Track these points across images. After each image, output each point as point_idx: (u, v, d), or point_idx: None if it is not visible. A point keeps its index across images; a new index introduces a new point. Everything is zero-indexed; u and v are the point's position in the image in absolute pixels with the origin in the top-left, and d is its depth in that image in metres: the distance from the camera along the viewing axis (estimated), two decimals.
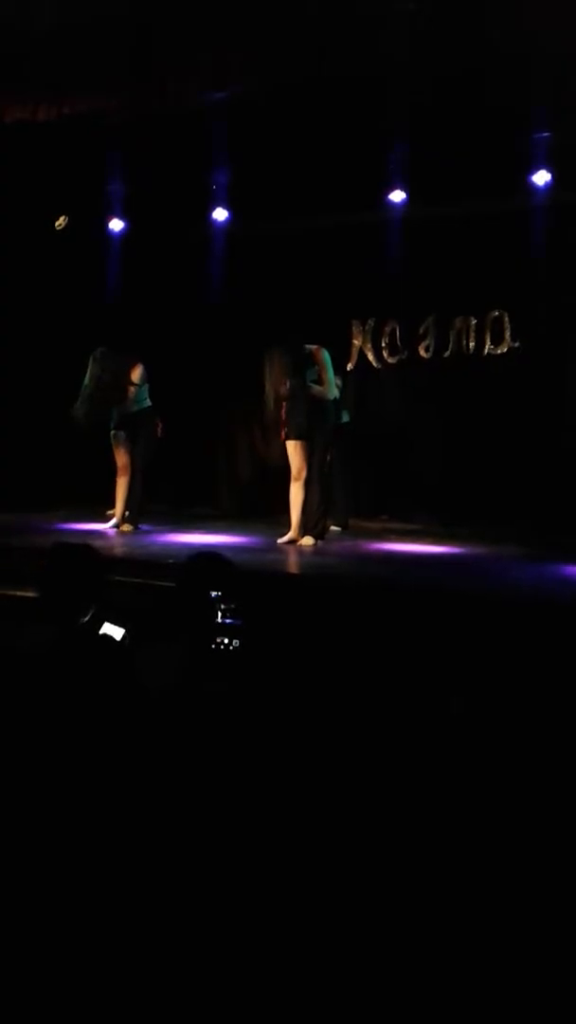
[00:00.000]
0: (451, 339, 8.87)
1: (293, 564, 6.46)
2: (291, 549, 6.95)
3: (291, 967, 2.03)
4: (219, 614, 3.31)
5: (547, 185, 8.03)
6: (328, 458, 7.23)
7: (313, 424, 7.05)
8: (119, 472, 7.88)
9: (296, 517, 7.11)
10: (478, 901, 2.22)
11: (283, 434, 7.17)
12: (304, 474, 7.07)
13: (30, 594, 4.24)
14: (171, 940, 2.09)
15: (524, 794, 2.66)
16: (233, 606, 3.35)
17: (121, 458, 7.83)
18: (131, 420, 7.81)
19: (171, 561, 5.77)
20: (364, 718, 3.03)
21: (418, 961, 2.06)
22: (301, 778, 2.56)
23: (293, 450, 7.09)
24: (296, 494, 7.10)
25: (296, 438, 7.07)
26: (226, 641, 3.29)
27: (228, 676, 3.28)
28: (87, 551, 3.47)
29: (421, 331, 9.00)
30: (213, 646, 3.25)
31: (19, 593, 4.38)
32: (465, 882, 2.28)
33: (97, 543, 4.45)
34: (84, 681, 2.76)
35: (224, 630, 3.29)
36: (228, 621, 3.33)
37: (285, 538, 7.11)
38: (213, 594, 3.40)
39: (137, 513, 7.88)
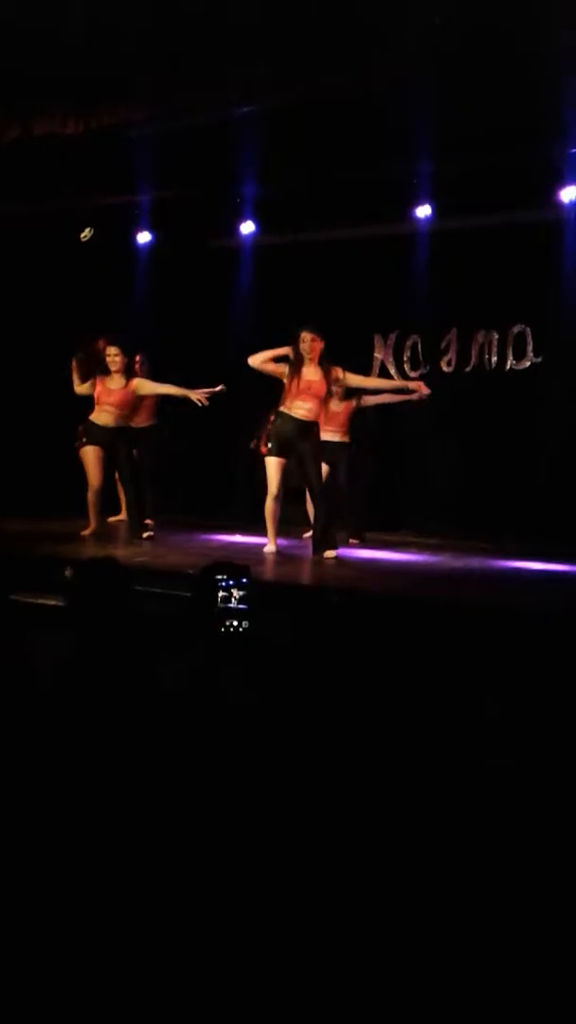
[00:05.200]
0: (473, 353, 8.88)
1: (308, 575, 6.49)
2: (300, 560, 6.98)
3: (295, 968, 2.05)
4: (227, 598, 3.38)
5: (572, 200, 8.03)
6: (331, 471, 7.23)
7: (295, 440, 7.00)
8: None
9: (271, 530, 7.13)
10: (496, 905, 2.23)
11: (263, 449, 7.16)
12: (279, 491, 7.05)
13: (54, 602, 4.28)
14: (178, 939, 2.10)
15: (558, 800, 2.67)
16: (241, 592, 3.41)
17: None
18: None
19: (190, 572, 5.80)
20: (387, 724, 3.05)
21: (423, 962, 2.07)
22: (320, 783, 2.58)
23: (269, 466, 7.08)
24: (270, 509, 7.12)
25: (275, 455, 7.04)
26: (235, 624, 3.37)
27: (242, 664, 3.33)
28: (111, 563, 3.51)
29: (443, 345, 9.02)
30: (223, 630, 3.32)
31: (44, 601, 4.43)
32: (483, 884, 2.29)
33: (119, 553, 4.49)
34: (106, 689, 2.79)
35: (233, 614, 3.36)
36: (236, 605, 3.40)
37: (268, 549, 7.10)
38: (219, 578, 3.47)
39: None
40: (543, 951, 2.13)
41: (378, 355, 9.26)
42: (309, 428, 7.04)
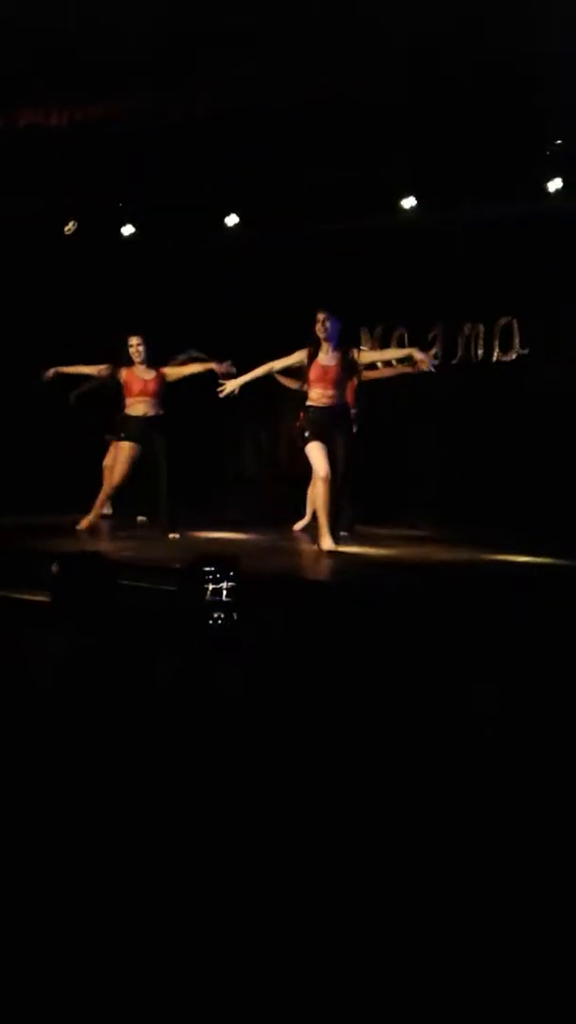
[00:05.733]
0: (460, 346, 8.88)
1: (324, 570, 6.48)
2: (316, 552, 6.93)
3: (294, 967, 2.04)
4: (212, 591, 3.37)
5: (557, 191, 8.03)
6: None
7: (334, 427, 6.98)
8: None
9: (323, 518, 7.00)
10: (492, 900, 2.23)
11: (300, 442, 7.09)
12: (327, 473, 6.95)
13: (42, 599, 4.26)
14: (176, 938, 2.09)
15: (548, 793, 2.67)
16: (226, 585, 3.40)
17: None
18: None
19: (177, 566, 5.78)
20: (380, 714, 3.04)
21: (422, 961, 2.06)
22: (314, 773, 2.57)
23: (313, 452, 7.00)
24: (322, 495, 6.99)
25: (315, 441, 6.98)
26: (221, 616, 3.37)
27: (230, 658, 3.33)
28: (97, 558, 3.50)
29: (430, 338, 9.00)
30: (212, 622, 3.32)
31: (35, 598, 4.40)
32: (478, 878, 2.28)
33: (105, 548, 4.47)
34: (98, 684, 2.78)
35: (218, 606, 3.36)
36: (221, 598, 3.39)
37: (326, 544, 6.96)
38: (206, 569, 3.46)
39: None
40: (542, 943, 2.13)
41: (364, 348, 9.24)
42: (338, 415, 7.04)
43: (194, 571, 3.56)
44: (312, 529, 7.60)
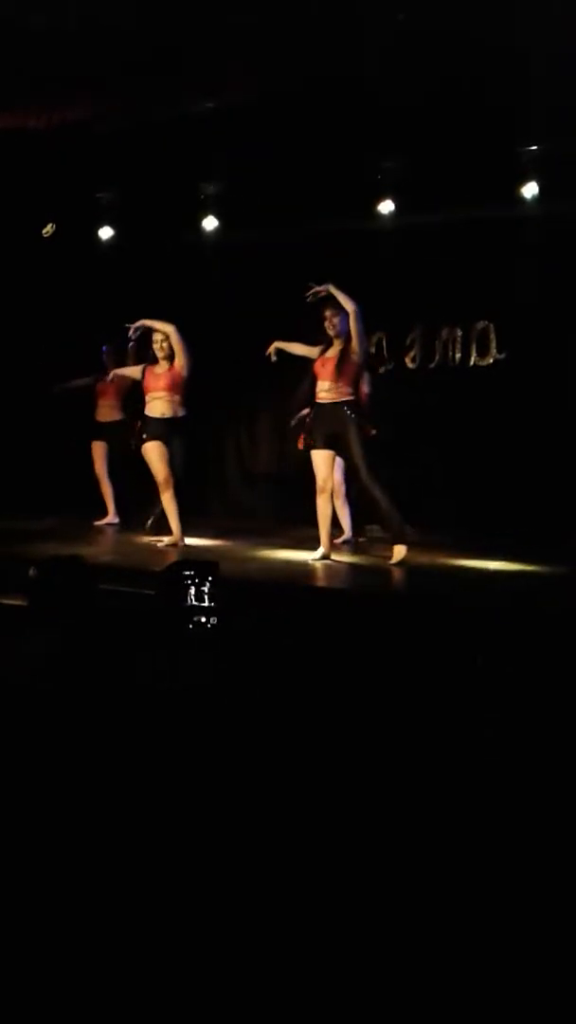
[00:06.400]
0: (437, 350, 8.91)
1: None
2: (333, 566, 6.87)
3: (290, 965, 2.04)
4: (194, 595, 3.38)
5: (534, 196, 8.07)
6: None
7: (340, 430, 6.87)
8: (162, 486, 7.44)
9: (324, 532, 6.96)
10: (490, 898, 2.24)
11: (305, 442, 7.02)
12: (327, 485, 6.94)
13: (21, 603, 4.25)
14: (171, 937, 2.10)
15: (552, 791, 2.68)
16: (206, 588, 3.41)
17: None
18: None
19: (156, 569, 5.78)
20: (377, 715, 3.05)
21: (419, 959, 2.07)
22: (297, 776, 2.58)
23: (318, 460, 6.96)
24: (321, 507, 6.96)
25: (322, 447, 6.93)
26: (203, 620, 3.37)
27: (210, 657, 3.33)
28: (76, 561, 3.50)
29: (408, 342, 9.03)
30: (191, 625, 3.32)
31: (12, 602, 4.39)
32: (475, 875, 2.30)
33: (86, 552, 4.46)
34: (80, 689, 2.78)
35: (199, 610, 3.36)
36: (202, 602, 3.40)
37: (316, 554, 6.93)
38: (186, 573, 3.46)
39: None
40: (541, 938, 2.14)
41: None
42: (333, 411, 6.89)
43: (173, 575, 3.56)
44: (370, 540, 7.68)
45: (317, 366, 6.98)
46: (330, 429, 6.88)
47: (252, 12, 6.17)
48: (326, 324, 6.94)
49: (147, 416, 7.46)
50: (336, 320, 6.88)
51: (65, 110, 7.51)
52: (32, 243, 9.21)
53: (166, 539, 7.46)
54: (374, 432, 7.07)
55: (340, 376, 6.89)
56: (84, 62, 6.82)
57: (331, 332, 6.93)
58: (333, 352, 6.94)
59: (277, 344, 7.19)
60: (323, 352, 6.98)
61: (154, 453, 7.36)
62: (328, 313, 6.92)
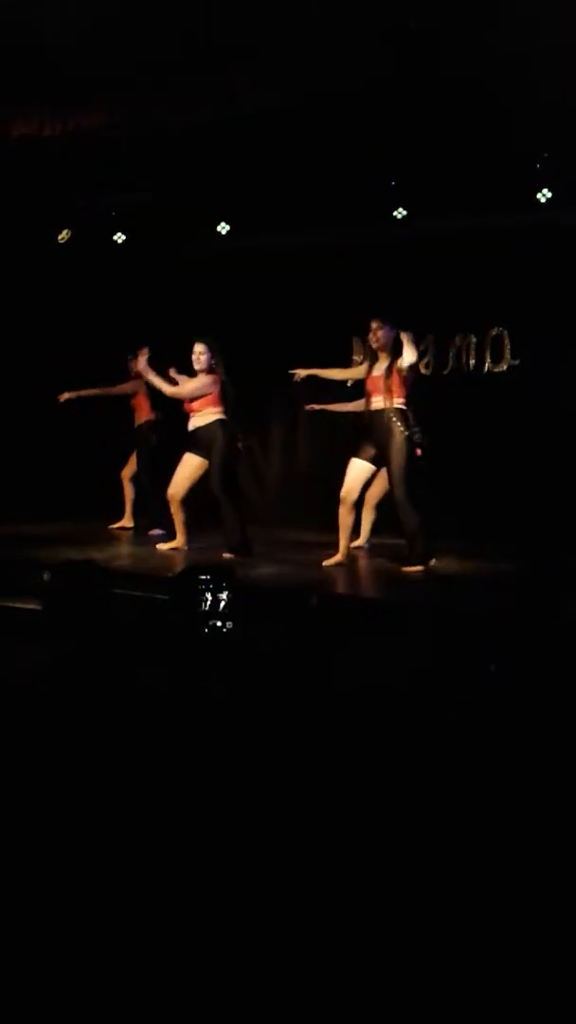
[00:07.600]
0: (451, 357, 8.90)
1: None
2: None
3: (290, 965, 2.04)
4: (210, 600, 3.38)
5: (548, 203, 8.06)
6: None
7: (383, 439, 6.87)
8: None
9: (343, 539, 6.96)
10: (489, 898, 2.24)
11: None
12: (349, 497, 6.93)
13: (34, 607, 4.26)
14: (171, 937, 2.10)
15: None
16: (223, 594, 3.41)
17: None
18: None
19: (169, 575, 5.78)
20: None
21: (419, 959, 2.07)
22: (303, 781, 2.58)
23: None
24: (342, 516, 6.94)
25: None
26: (219, 623, 3.37)
27: (228, 664, 3.33)
28: (90, 566, 3.50)
29: (421, 348, 9.02)
30: (207, 629, 3.32)
31: (23, 606, 4.40)
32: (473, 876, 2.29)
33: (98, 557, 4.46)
34: (87, 694, 2.78)
35: (216, 615, 3.36)
36: (219, 607, 3.40)
37: (331, 561, 6.94)
38: (202, 577, 3.46)
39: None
40: (541, 934, 2.14)
41: (357, 358, 9.24)
42: (374, 421, 6.88)
43: (187, 581, 3.56)
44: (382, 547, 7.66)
45: (368, 384, 6.99)
46: (377, 440, 6.91)
47: (266, 23, 6.20)
48: (369, 336, 6.96)
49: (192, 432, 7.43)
50: (380, 333, 6.88)
51: (80, 117, 7.55)
52: (47, 248, 9.25)
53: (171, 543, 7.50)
54: (419, 451, 7.01)
55: (389, 388, 6.87)
56: (98, 70, 6.86)
57: (374, 345, 6.93)
58: (378, 371, 6.93)
59: (311, 371, 7.25)
60: (369, 371, 6.99)
61: (193, 463, 7.41)
62: (373, 325, 6.90)
